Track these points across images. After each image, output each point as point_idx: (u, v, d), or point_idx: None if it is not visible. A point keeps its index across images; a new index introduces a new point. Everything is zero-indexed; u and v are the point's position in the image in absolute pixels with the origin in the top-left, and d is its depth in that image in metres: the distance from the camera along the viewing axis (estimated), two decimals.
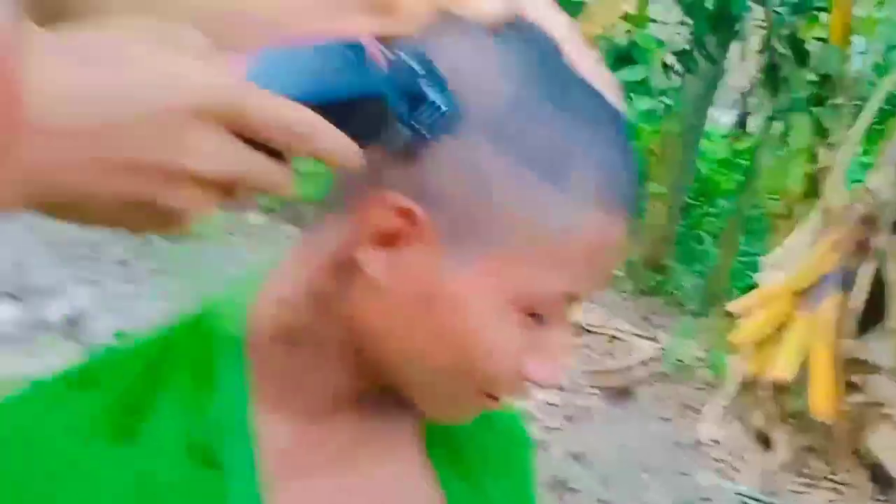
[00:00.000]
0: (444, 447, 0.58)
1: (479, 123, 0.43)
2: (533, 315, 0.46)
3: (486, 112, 0.43)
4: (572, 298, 0.47)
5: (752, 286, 3.57)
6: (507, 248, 0.44)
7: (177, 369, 0.49)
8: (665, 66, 4.19)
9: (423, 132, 0.42)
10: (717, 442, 3.31)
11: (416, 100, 0.42)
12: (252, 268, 0.53)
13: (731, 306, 3.23)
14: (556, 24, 0.47)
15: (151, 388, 0.49)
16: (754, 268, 5.03)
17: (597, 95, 0.46)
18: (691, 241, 5.86)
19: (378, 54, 0.41)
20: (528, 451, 0.67)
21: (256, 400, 0.49)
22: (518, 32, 0.45)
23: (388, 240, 0.44)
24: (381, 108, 0.41)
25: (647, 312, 4.67)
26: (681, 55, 4.20)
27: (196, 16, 0.52)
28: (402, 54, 0.42)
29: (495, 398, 0.50)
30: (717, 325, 4.23)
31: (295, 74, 0.39)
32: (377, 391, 0.51)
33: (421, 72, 0.42)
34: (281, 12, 0.50)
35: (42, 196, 0.36)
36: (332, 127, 0.40)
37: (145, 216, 0.38)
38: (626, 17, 4.21)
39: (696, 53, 4.23)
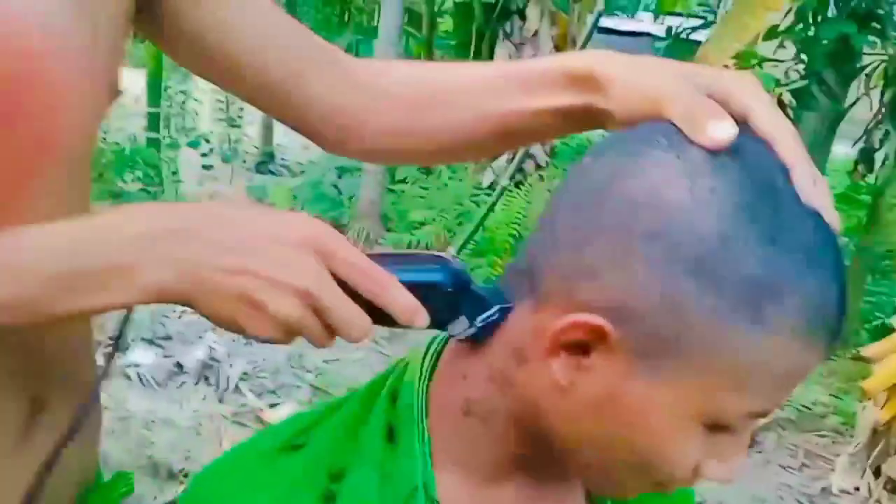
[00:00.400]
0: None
1: (682, 258, 0.43)
2: (717, 427, 0.47)
3: (690, 248, 0.43)
4: (759, 416, 0.47)
5: (883, 329, 3.41)
6: (702, 376, 0.44)
7: (369, 435, 0.53)
8: (781, 103, 4.11)
9: (479, 330, 0.52)
10: (848, 493, 3.17)
11: (480, 303, 0.51)
12: (436, 335, 0.58)
13: (865, 350, 3.10)
14: (784, 139, 0.46)
15: (349, 452, 0.53)
16: (882, 309, 4.80)
17: (814, 225, 0.45)
18: None
19: (456, 263, 0.51)
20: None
21: (436, 464, 0.53)
22: (741, 158, 0.45)
23: (576, 350, 0.46)
24: (454, 300, 0.51)
25: None
26: (797, 93, 4.11)
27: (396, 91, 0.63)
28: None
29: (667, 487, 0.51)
30: (844, 370, 4.06)
31: (382, 261, 0.50)
32: (552, 460, 0.53)
33: (491, 290, 0.52)
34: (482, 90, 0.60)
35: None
36: (402, 288, 0.48)
37: (253, 320, 0.47)
38: (738, 57, 4.17)
39: (813, 90, 4.13)
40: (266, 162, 8.18)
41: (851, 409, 3.48)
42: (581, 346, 0.46)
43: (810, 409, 3.83)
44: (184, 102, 8.16)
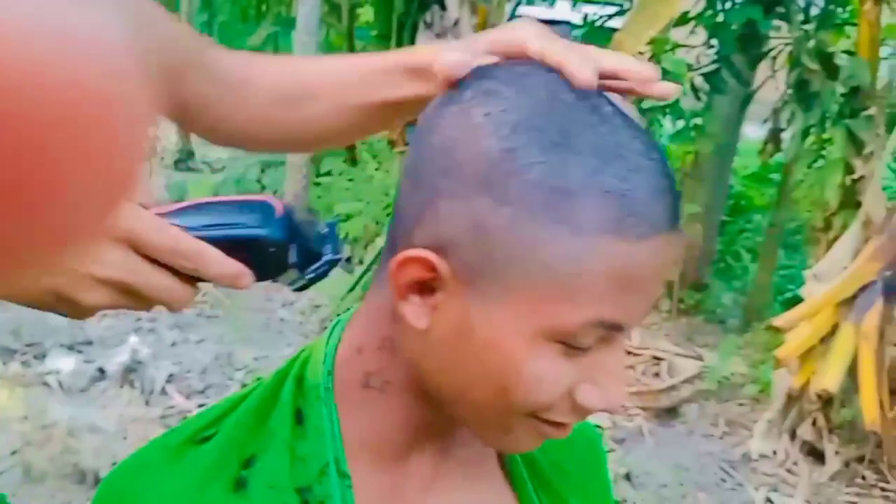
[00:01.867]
0: (525, 467, 0.61)
1: (472, 181, 0.45)
2: (574, 346, 0.47)
3: (475, 167, 0.45)
4: (611, 326, 0.47)
5: (794, 300, 3.57)
6: (526, 289, 0.45)
7: (277, 420, 0.54)
8: (693, 88, 4.24)
9: (313, 278, 0.52)
10: (767, 457, 3.31)
11: (311, 253, 0.52)
12: (340, 318, 0.60)
13: (777, 321, 3.24)
14: (556, 53, 0.50)
15: (258, 438, 0.54)
16: (794, 281, 5.02)
17: (612, 124, 0.46)
18: (729, 258, 5.85)
19: (281, 210, 0.51)
20: (605, 463, 0.69)
21: (346, 441, 0.53)
22: (517, 83, 0.48)
23: (419, 289, 0.48)
24: (281, 253, 0.51)
25: (688, 331, 4.67)
26: (709, 76, 4.24)
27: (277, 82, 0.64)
28: (303, 218, 0.52)
29: (559, 425, 0.51)
30: (759, 341, 4.23)
31: (206, 217, 0.50)
32: (453, 423, 0.55)
33: (323, 230, 0.53)
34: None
35: None
36: (220, 255, 0.49)
37: (64, 304, 0.48)
38: (652, 43, 4.27)
39: (724, 74, 4.27)
40: (185, 159, 8.01)
41: (768, 377, 3.63)
42: (425, 286, 0.48)
43: (729, 380, 3.98)
44: None
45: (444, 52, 0.51)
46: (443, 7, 5.28)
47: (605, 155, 0.45)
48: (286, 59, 0.68)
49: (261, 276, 0.51)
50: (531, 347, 0.46)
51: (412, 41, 5.43)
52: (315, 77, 0.65)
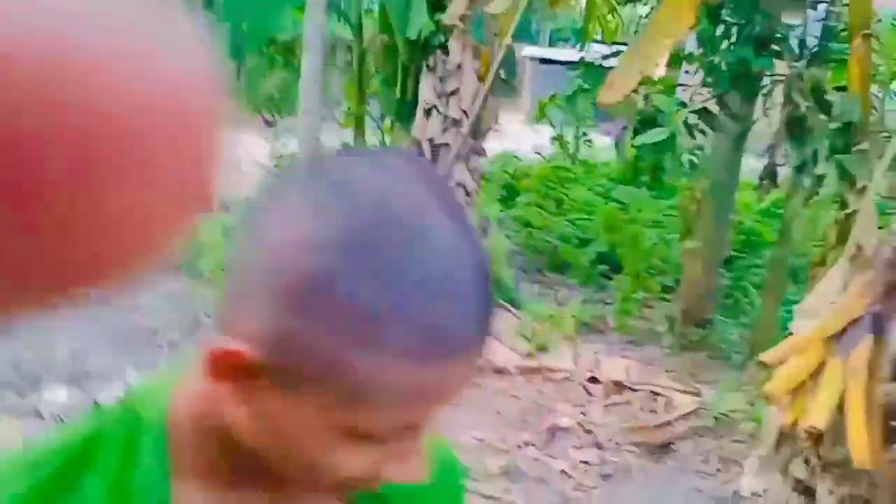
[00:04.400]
0: (369, 499, 0.63)
1: (285, 295, 0.47)
2: (373, 439, 0.51)
3: (291, 285, 0.47)
4: (407, 427, 0.51)
5: (787, 335, 3.56)
6: (323, 394, 0.49)
7: (105, 449, 0.56)
8: (688, 125, 4.28)
9: None
10: (758, 495, 3.28)
11: None
12: (180, 358, 0.64)
13: (764, 356, 3.23)
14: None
15: (82, 466, 0.56)
16: None
17: (428, 242, 0.47)
18: (737, 294, 5.82)
19: None
20: (459, 483, 0.72)
21: (177, 475, 0.56)
22: (345, 187, 0.48)
23: (233, 373, 0.50)
24: None
25: (690, 367, 4.65)
26: (702, 114, 4.29)
27: None
28: None
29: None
30: (760, 377, 4.20)
31: None
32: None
33: None
34: None
35: None
36: None
37: None
38: (644, 83, 4.34)
39: (719, 112, 4.32)
40: None
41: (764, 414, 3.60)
42: (241, 371, 0.50)
43: (727, 417, 3.96)
44: None
45: None
46: (446, 52, 5.40)
47: (417, 282, 0.46)
48: None
49: None
50: (330, 439, 0.50)
51: (416, 85, 5.55)
52: None
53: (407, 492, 0.64)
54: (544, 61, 11.46)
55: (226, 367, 0.50)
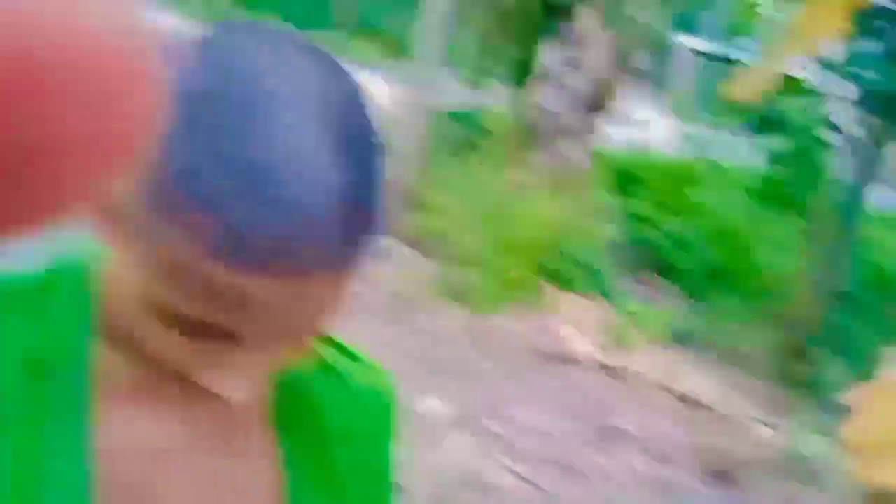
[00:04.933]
0: (295, 422, 0.60)
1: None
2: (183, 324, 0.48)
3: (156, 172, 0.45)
4: (223, 333, 0.48)
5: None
6: (138, 257, 0.47)
7: (28, 300, 0.54)
8: (818, 140, 3.98)
9: None
10: None
11: None
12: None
13: (845, 396, 2.98)
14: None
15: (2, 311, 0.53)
16: None
17: (260, 132, 0.44)
18: (848, 332, 5.43)
19: None
20: (388, 412, 0.67)
21: (104, 337, 0.53)
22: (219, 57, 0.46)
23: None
24: None
25: (778, 399, 4.38)
26: (836, 129, 3.98)
27: None
28: None
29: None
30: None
31: None
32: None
33: None
34: None
35: None
36: None
37: None
38: (786, 83, 4.06)
39: (862, 133, 3.99)
40: None
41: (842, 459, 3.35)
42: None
43: (804, 458, 3.71)
44: None
45: None
46: (577, 21, 5.24)
47: (239, 171, 0.43)
48: None
49: None
50: (140, 311, 0.48)
51: (540, 50, 5.43)
52: None
53: (336, 415, 0.62)
54: (710, 57, 10.89)
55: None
